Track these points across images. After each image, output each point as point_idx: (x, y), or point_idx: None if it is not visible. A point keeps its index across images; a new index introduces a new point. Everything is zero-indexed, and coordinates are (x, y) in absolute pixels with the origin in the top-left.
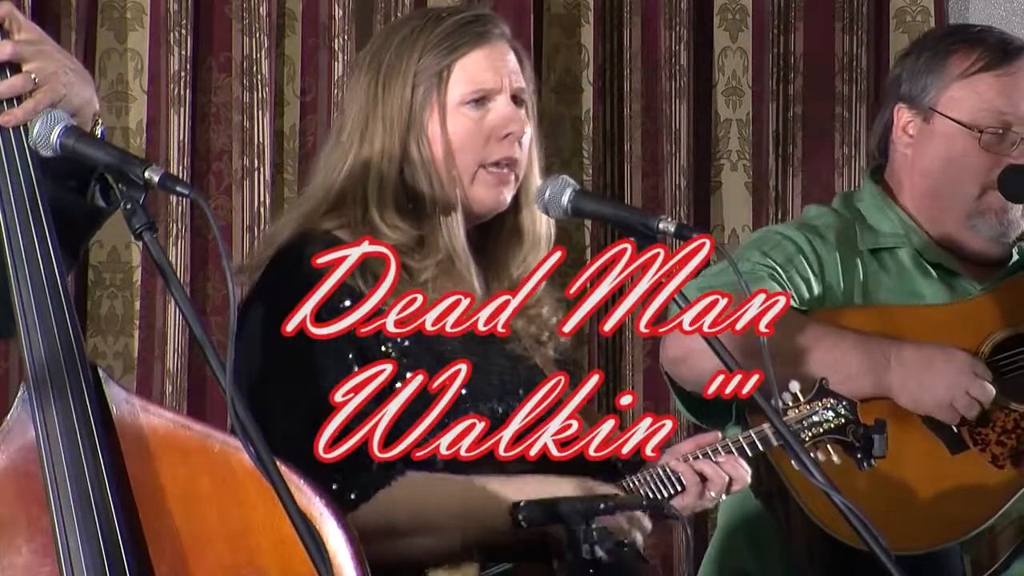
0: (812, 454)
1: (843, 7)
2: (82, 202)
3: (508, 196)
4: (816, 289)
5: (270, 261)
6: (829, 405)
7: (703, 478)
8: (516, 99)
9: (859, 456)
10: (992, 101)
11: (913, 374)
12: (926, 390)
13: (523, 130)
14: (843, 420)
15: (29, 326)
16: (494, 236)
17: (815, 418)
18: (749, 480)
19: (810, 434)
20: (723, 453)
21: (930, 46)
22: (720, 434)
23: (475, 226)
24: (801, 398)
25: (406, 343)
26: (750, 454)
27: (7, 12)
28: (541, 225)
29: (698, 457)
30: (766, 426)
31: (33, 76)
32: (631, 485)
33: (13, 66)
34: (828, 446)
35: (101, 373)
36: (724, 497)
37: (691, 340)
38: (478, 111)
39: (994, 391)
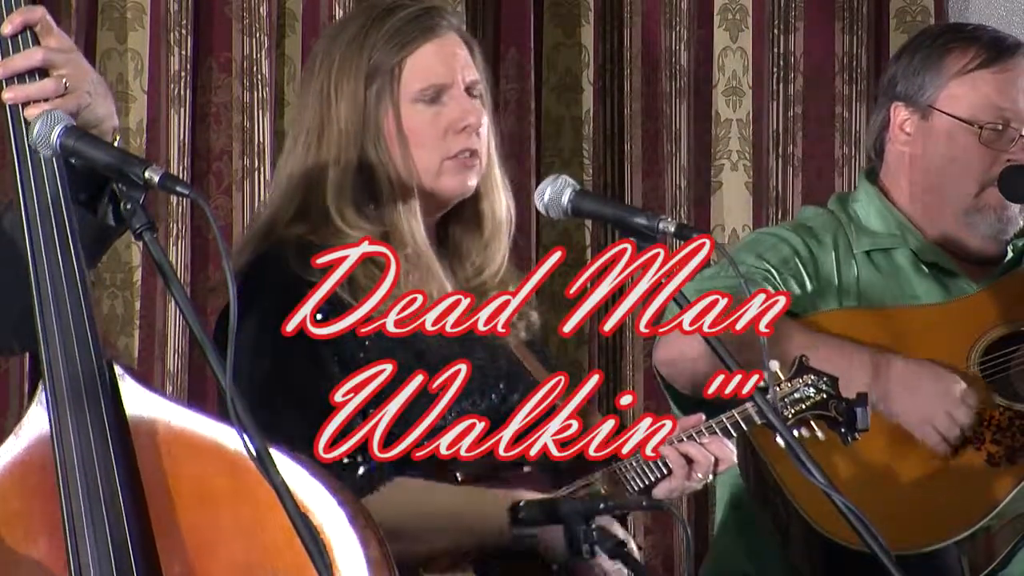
0: (796, 431)
1: (843, 7)
2: (92, 219)
3: (474, 182)
4: (811, 291)
5: (247, 271)
6: (810, 381)
7: (689, 460)
8: (469, 91)
9: (843, 430)
10: (990, 97)
11: (897, 389)
12: (908, 407)
13: (480, 121)
14: (825, 395)
15: (47, 323)
16: (454, 225)
17: (796, 395)
18: (735, 460)
19: (792, 411)
20: (707, 434)
21: (925, 45)
22: (703, 416)
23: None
24: (781, 376)
25: (385, 342)
26: (734, 434)
27: (41, 17)
28: (502, 211)
29: (683, 440)
30: (748, 405)
31: (65, 82)
32: (618, 471)
33: (40, 72)
34: (811, 422)
35: (117, 369)
36: (712, 478)
37: (681, 344)
38: (433, 106)
39: (971, 422)
